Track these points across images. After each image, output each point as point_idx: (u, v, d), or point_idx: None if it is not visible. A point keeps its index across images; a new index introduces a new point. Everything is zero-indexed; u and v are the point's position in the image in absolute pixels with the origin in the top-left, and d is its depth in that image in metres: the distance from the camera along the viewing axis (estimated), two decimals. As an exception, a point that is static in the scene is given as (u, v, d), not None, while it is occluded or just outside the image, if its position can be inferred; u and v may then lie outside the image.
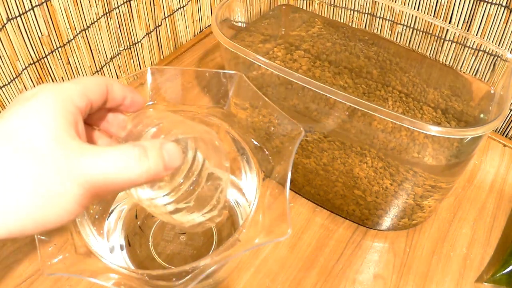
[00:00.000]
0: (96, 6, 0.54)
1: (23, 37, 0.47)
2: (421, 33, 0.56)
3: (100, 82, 0.26)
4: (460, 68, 0.54)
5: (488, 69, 0.49)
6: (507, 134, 0.59)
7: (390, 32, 0.60)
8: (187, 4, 0.69)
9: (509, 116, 0.57)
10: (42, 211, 0.21)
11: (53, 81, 0.53)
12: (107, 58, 0.60)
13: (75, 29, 0.53)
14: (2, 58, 0.46)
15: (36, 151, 0.21)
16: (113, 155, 0.22)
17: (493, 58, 0.48)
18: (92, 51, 0.57)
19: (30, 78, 0.50)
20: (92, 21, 0.55)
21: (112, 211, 0.41)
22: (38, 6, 0.47)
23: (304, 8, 0.61)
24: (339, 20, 0.63)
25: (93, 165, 0.22)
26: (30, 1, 0.46)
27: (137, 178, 0.23)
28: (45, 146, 0.21)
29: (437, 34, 0.54)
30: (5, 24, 0.45)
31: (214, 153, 0.32)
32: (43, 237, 0.29)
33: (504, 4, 0.51)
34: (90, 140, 0.29)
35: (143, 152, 0.23)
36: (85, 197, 0.22)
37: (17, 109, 0.22)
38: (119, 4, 0.57)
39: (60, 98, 0.23)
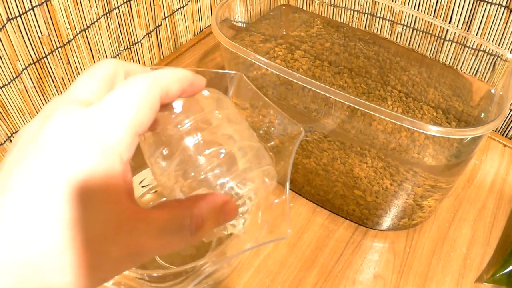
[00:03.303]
0: (96, 6, 0.54)
1: (23, 37, 0.47)
2: (421, 33, 0.56)
3: (154, 106, 0.20)
4: (460, 68, 0.54)
5: (488, 69, 0.49)
6: (507, 134, 0.59)
7: (390, 32, 0.60)
8: (187, 4, 0.69)
9: (509, 116, 0.57)
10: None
11: (53, 81, 0.53)
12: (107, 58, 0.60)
13: (75, 29, 0.53)
14: (2, 58, 0.46)
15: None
16: (168, 231, 0.20)
17: (493, 58, 0.48)
18: (92, 51, 0.57)
19: (30, 78, 0.50)
20: (92, 21, 0.55)
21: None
22: (38, 6, 0.47)
23: (304, 8, 0.61)
24: (339, 20, 0.63)
25: (146, 238, 0.19)
26: (30, 1, 0.46)
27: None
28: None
29: (437, 34, 0.54)
30: (5, 24, 0.45)
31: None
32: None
33: (504, 4, 0.51)
34: None
35: (199, 226, 0.21)
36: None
37: None
38: (119, 4, 0.57)
39: (106, 164, 0.18)
